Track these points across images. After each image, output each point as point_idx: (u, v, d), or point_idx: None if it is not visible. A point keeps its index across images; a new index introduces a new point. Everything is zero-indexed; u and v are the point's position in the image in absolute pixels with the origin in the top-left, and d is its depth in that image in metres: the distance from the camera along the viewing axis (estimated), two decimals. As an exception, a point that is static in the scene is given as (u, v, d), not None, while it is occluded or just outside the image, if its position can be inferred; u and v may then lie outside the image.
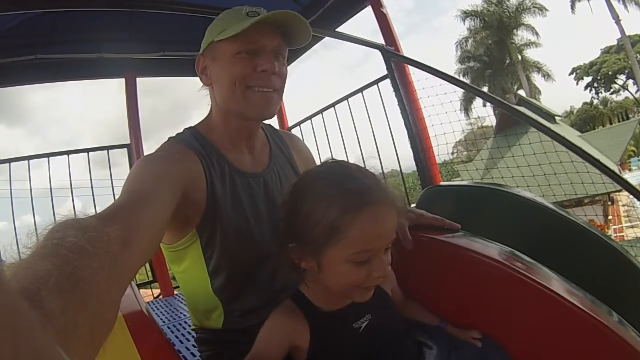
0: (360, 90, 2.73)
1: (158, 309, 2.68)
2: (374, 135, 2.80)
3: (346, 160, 0.84)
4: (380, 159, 2.72)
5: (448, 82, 2.25)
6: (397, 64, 2.47)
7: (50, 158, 2.89)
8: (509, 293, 0.88)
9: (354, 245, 0.69)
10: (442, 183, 2.34)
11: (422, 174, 2.42)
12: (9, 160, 2.74)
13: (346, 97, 2.83)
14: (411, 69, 2.46)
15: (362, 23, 2.68)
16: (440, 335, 0.91)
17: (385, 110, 2.66)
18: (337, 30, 2.75)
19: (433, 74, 2.28)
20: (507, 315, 0.89)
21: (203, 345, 1.04)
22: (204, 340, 1.03)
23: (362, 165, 0.80)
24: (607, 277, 1.27)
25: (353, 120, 2.83)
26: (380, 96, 2.65)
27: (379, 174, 0.79)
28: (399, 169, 2.95)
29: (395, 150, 2.73)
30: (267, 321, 0.78)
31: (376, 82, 2.61)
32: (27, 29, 2.38)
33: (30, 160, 2.83)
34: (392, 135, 2.68)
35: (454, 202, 1.58)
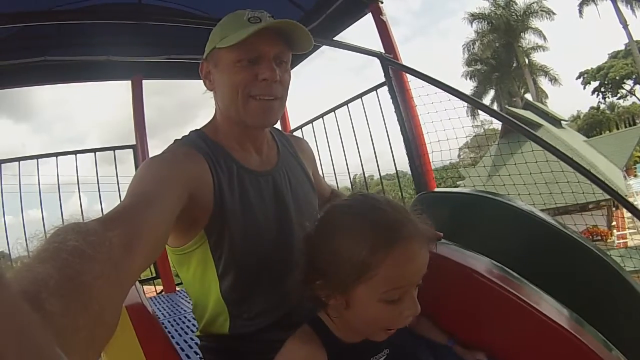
0: (360, 96, 2.78)
1: (160, 304, 2.74)
2: (372, 140, 2.85)
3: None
4: (377, 164, 2.79)
5: (444, 91, 2.27)
6: (395, 71, 2.51)
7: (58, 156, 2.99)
8: (486, 305, 0.88)
9: (385, 283, 0.65)
10: (435, 189, 2.36)
11: (417, 180, 2.46)
12: (19, 159, 2.84)
13: (346, 103, 2.88)
14: (409, 76, 2.50)
15: (369, 28, 2.71)
16: (445, 355, 0.90)
17: (383, 116, 2.71)
18: (340, 34, 2.80)
19: (429, 83, 2.30)
20: (490, 331, 0.89)
21: (208, 353, 1.00)
22: (209, 348, 1.00)
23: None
24: (596, 290, 1.27)
25: (352, 125, 2.89)
26: (379, 102, 2.69)
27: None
28: (399, 174, 3.02)
29: (392, 155, 2.78)
30: (285, 347, 0.74)
31: (375, 88, 2.66)
32: (36, 31, 2.43)
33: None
34: (389, 140, 2.73)
35: (447, 209, 1.61)
